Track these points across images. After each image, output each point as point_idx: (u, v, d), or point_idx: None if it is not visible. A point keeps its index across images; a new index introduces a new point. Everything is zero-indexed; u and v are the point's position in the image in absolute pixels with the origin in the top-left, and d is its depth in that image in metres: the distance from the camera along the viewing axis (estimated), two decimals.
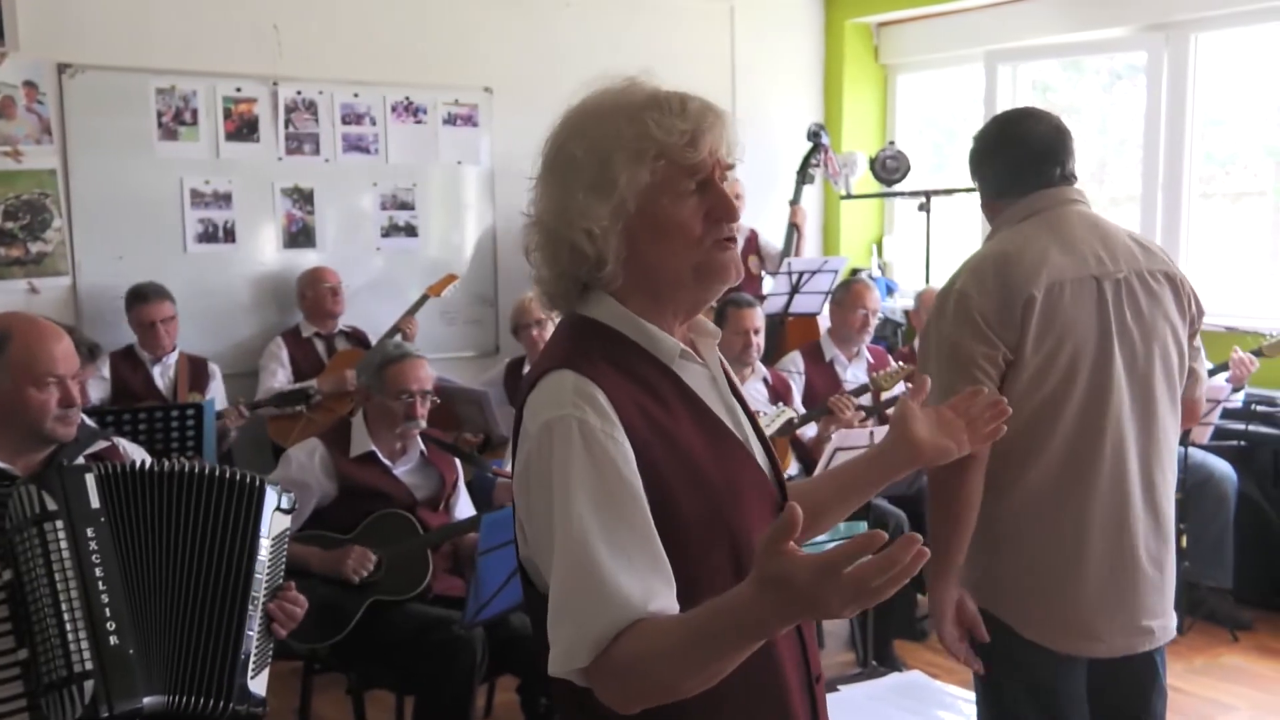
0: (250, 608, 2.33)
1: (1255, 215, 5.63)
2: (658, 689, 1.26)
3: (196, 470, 2.35)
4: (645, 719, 1.32)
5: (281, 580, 2.44)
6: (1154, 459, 2.29)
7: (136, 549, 2.27)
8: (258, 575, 2.34)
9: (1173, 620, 2.36)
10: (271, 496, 2.39)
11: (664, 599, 1.29)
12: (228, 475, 2.35)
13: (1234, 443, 4.61)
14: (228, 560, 2.32)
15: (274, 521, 2.39)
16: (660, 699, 1.27)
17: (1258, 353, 4.51)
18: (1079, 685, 2.30)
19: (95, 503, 2.25)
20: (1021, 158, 2.32)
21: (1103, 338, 2.23)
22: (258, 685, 2.36)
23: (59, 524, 2.19)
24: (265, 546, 2.37)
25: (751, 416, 1.54)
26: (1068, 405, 2.22)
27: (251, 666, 2.33)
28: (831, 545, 1.16)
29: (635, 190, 1.37)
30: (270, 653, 2.42)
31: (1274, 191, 5.59)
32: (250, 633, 2.33)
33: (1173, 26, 5.57)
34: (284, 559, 2.45)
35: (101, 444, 2.56)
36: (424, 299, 5.20)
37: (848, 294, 4.92)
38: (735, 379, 1.57)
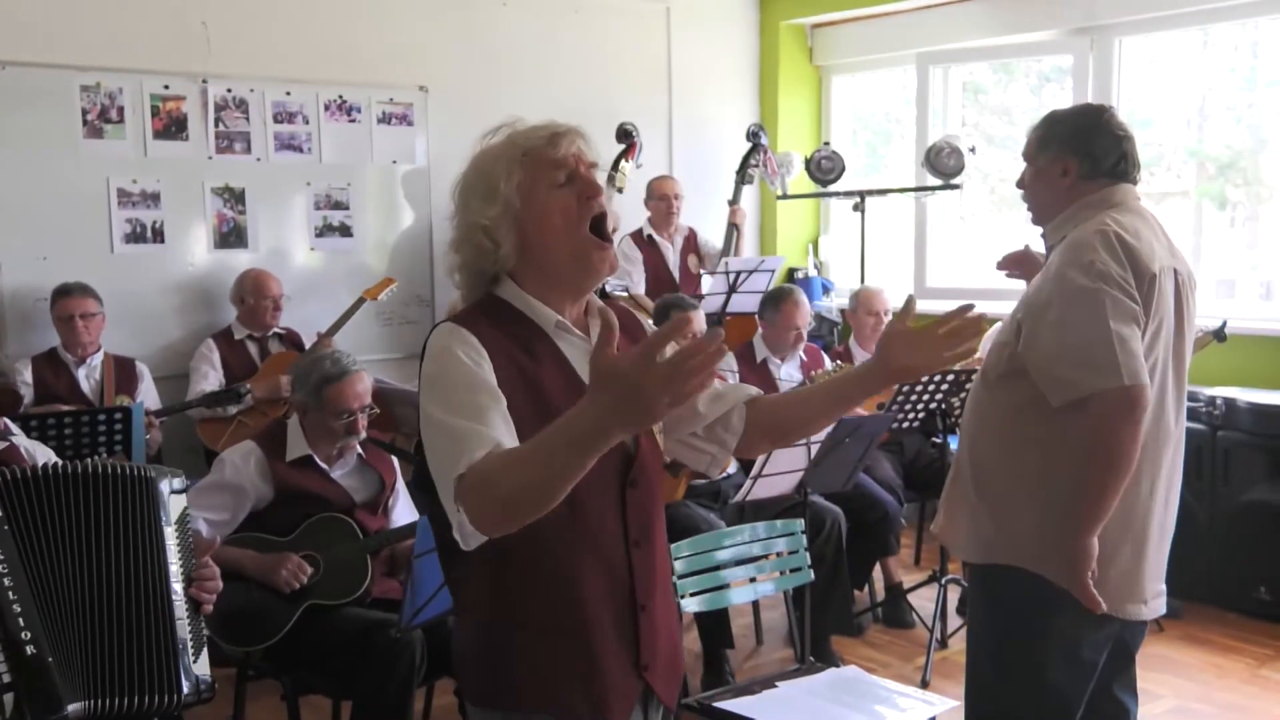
0: (174, 597, 2.29)
1: (1178, 215, 5.75)
2: (503, 501, 1.47)
3: (89, 470, 2.27)
4: (467, 600, 1.73)
5: (194, 559, 2.38)
6: (1181, 444, 2.46)
7: (43, 554, 2.20)
8: (172, 564, 2.29)
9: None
10: (164, 483, 2.34)
11: (509, 440, 1.55)
12: (116, 470, 2.29)
13: None
14: (139, 555, 2.27)
15: (172, 506, 2.34)
16: (508, 514, 1.48)
17: None
18: (1107, 643, 2.44)
19: None
20: (1120, 148, 2.44)
21: (1177, 323, 2.39)
22: (201, 667, 2.32)
23: None
24: (171, 534, 2.31)
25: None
26: (1153, 383, 2.32)
27: (190, 652, 2.29)
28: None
29: (514, 187, 1.68)
30: (205, 633, 2.38)
31: (1196, 192, 5.72)
32: (181, 619, 2.28)
33: (1098, 30, 5.69)
34: (191, 538, 2.40)
35: None
36: (360, 302, 5.13)
37: (778, 315, 4.82)
38: None
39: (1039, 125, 2.53)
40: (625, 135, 5.86)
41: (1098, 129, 2.45)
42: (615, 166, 5.74)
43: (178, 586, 2.30)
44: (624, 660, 1.72)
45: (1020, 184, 2.58)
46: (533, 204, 1.69)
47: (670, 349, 1.34)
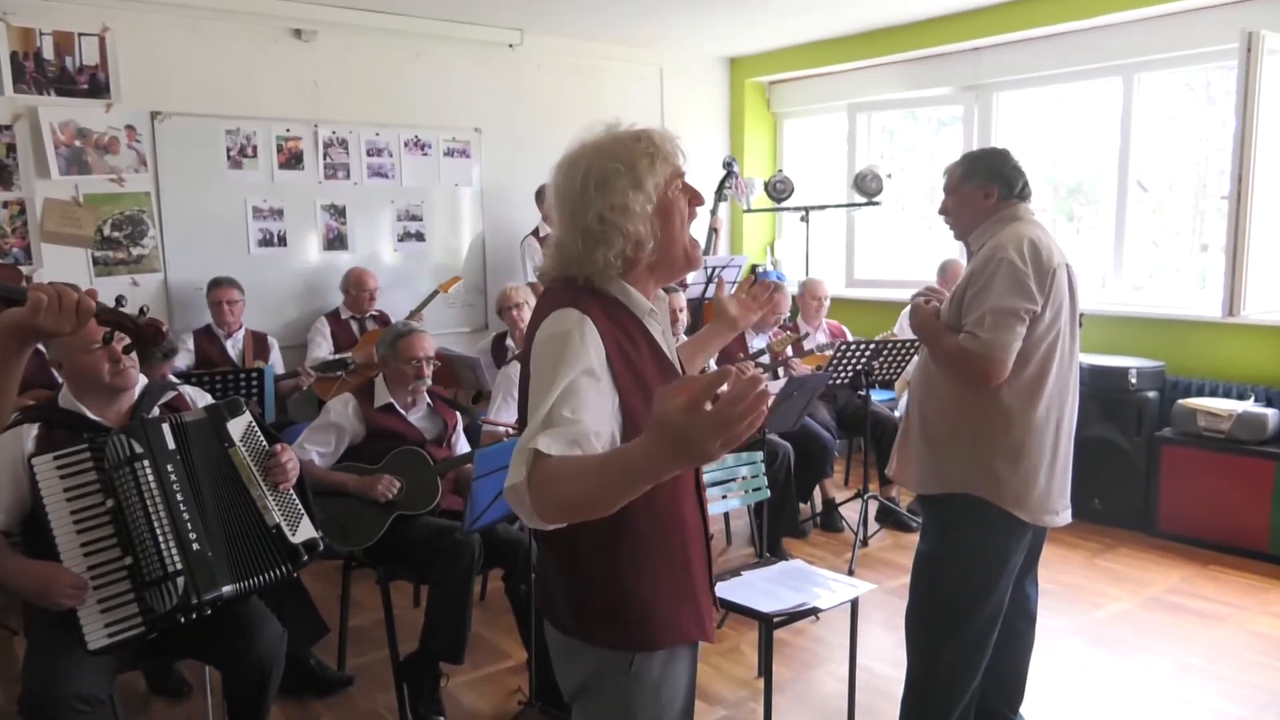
0: (256, 499, 2.28)
1: None
2: (561, 502, 1.19)
3: (187, 419, 2.29)
4: (584, 558, 1.42)
5: (269, 458, 2.35)
6: (1075, 395, 2.44)
7: (198, 476, 2.23)
8: (245, 473, 2.29)
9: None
10: (221, 415, 2.32)
11: (594, 439, 1.26)
12: (187, 420, 2.29)
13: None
14: (225, 477, 2.29)
15: (233, 428, 2.32)
16: (564, 512, 1.21)
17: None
18: (1025, 548, 2.46)
19: (171, 445, 2.22)
20: (1022, 176, 2.43)
21: (1071, 306, 2.36)
22: (302, 534, 2.31)
23: (146, 464, 2.15)
24: (237, 452, 2.30)
25: (678, 356, 1.60)
26: (1057, 352, 2.32)
27: (287, 529, 2.28)
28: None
29: (654, 186, 1.41)
30: (299, 507, 2.36)
31: (1052, 208, 5.68)
32: (268, 510, 2.28)
33: (981, 88, 5.63)
34: (262, 442, 2.37)
35: (171, 394, 2.49)
36: (435, 294, 5.12)
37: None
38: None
39: (959, 164, 2.47)
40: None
41: (1006, 163, 2.43)
42: None
43: (256, 490, 2.29)
44: (706, 583, 1.54)
45: (943, 210, 2.50)
46: (665, 204, 1.43)
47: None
